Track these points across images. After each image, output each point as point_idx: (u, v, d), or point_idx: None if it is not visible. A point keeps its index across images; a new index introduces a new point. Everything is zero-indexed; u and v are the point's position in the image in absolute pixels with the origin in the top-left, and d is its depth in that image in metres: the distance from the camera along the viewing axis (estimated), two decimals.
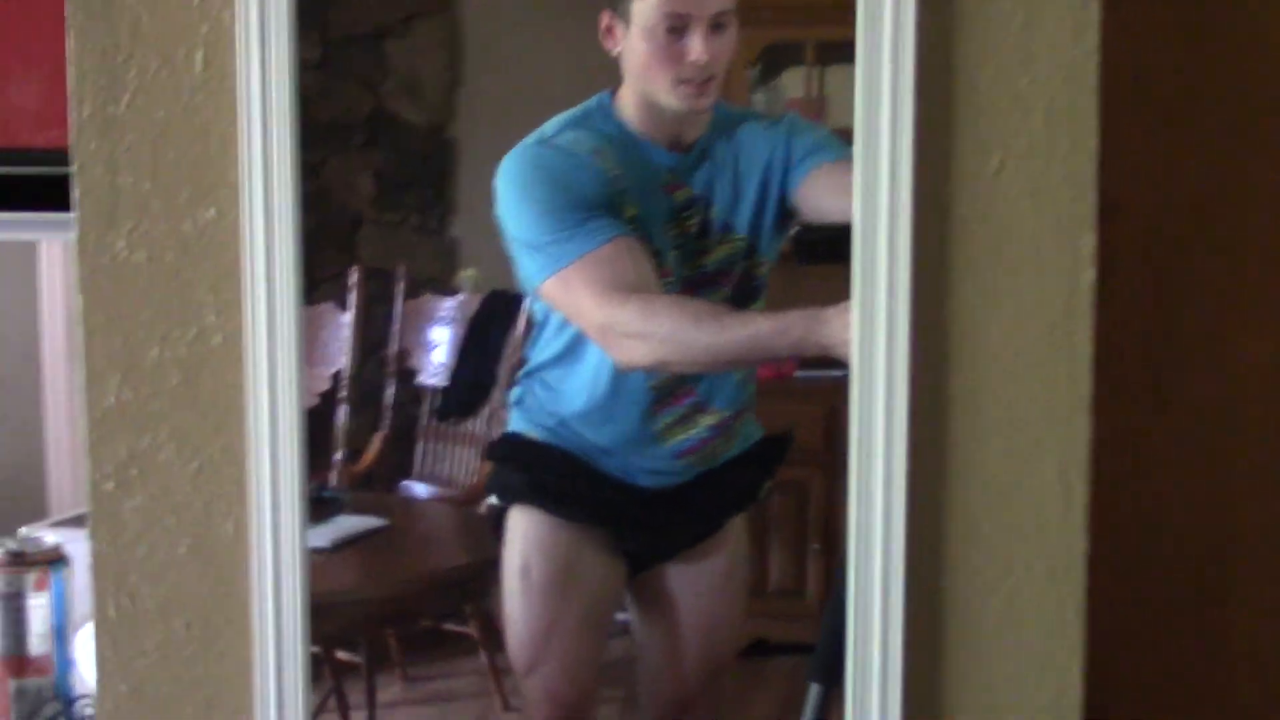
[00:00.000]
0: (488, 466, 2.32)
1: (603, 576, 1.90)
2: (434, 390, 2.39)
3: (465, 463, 2.47)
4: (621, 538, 1.90)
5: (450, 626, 2.42)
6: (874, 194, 1.41)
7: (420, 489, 2.51)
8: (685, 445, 1.81)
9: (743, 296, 1.75)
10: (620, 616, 2.17)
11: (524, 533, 1.90)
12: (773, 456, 1.95)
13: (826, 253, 1.58)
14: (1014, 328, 1.49)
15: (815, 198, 1.70)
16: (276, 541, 1.64)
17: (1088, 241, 1.44)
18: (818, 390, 2.10)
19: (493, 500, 1.97)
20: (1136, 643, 1.95)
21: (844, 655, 1.55)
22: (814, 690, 1.71)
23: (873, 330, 1.42)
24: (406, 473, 2.46)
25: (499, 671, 2.31)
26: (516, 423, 1.95)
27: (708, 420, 1.81)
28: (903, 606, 1.54)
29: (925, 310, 1.45)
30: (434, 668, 2.42)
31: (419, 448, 2.56)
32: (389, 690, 2.34)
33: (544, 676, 1.87)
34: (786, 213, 1.73)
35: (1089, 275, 1.45)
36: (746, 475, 1.94)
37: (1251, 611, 1.89)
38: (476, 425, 2.37)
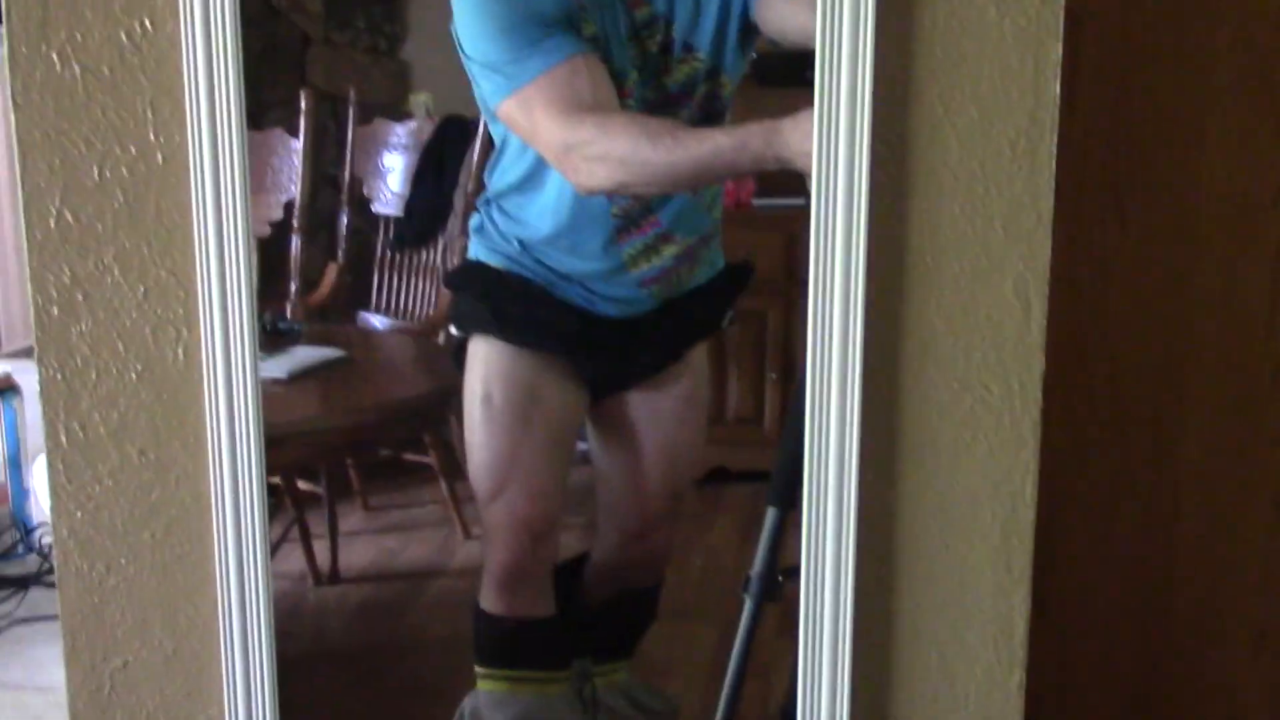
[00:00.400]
0: (447, 297, 2.28)
1: (564, 404, 1.87)
2: (389, 219, 2.48)
3: (424, 293, 2.46)
4: (583, 366, 1.87)
5: (410, 456, 2.40)
6: (835, 4, 1.37)
7: (378, 321, 2.45)
8: (649, 274, 1.78)
9: (705, 118, 1.70)
10: (581, 446, 2.14)
11: (485, 361, 1.86)
12: (735, 285, 1.92)
13: (788, 75, 1.56)
14: (975, 141, 1.44)
15: (777, 15, 1.63)
16: (228, 368, 1.62)
17: (1053, 51, 1.38)
18: (777, 219, 2.12)
19: (453, 330, 1.93)
20: (1088, 458, 1.91)
21: (800, 480, 1.55)
22: (771, 514, 1.71)
23: (834, 142, 1.39)
24: (364, 304, 2.44)
25: (459, 500, 2.33)
26: (476, 251, 1.90)
27: (671, 249, 1.79)
28: (859, 429, 1.53)
29: (886, 123, 1.39)
30: (395, 497, 2.42)
31: (376, 278, 2.49)
32: (350, 520, 2.33)
33: (507, 502, 1.85)
34: (748, 31, 1.66)
35: (1053, 88, 1.39)
36: (709, 304, 1.90)
37: (1203, 414, 1.95)
38: (434, 255, 2.38)
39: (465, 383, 1.86)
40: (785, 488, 1.68)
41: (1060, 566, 1.99)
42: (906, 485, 1.54)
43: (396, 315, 2.54)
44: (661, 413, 1.90)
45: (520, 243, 1.80)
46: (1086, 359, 1.96)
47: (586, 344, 1.82)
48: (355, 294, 2.47)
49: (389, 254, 2.52)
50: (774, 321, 2.31)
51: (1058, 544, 1.99)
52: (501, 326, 1.81)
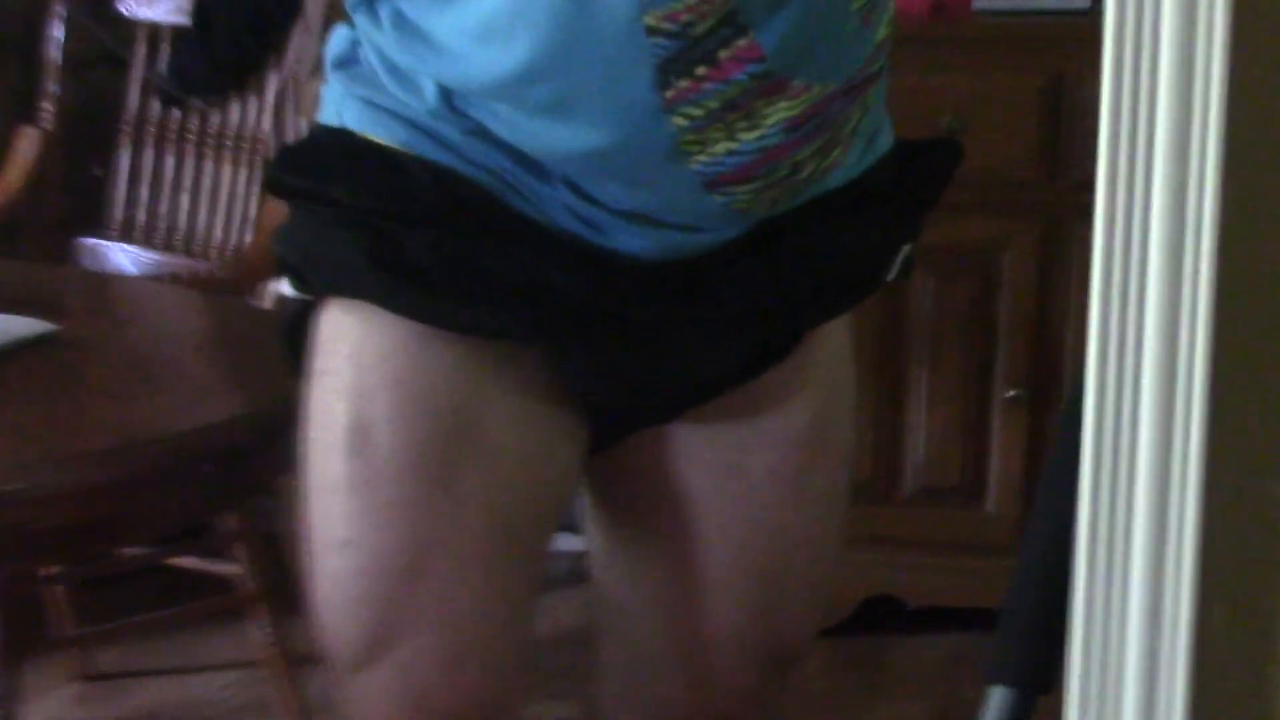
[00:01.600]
0: (275, 211, 1.86)
1: (530, 453, 1.37)
2: (158, 34, 2.27)
3: (225, 202, 2.21)
4: (574, 371, 1.37)
5: (189, 563, 2.15)
6: None
7: (127, 255, 2.19)
8: (731, 164, 1.29)
9: None
10: (570, 544, 1.97)
11: (356, 356, 1.36)
12: (921, 184, 1.44)
13: None
14: None
15: None
16: None
17: None
18: (1022, 41, 2.10)
19: (285, 287, 1.38)
20: None
21: (1061, 636, 1.09)
22: (995, 697, 1.26)
23: None
24: (97, 220, 2.25)
25: (290, 662, 2.02)
26: (341, 109, 1.39)
27: (781, 110, 1.28)
28: (1195, 534, 1.04)
29: None
30: (156, 650, 2.24)
31: (125, 166, 2.26)
32: (49, 702, 2.12)
33: (396, 669, 1.35)
34: None
35: None
36: (861, 228, 1.40)
37: None
38: (251, 118, 2.17)
39: (310, 401, 1.38)
40: (1032, 646, 1.27)
41: None
42: None
43: (165, 246, 2.31)
44: (749, 476, 1.41)
45: (442, 94, 1.34)
46: None
47: (585, 322, 1.35)
48: (79, 200, 2.31)
49: (155, 114, 2.35)
50: (1013, 276, 2.26)
51: None
52: (394, 283, 1.33)
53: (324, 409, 1.36)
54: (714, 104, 1.28)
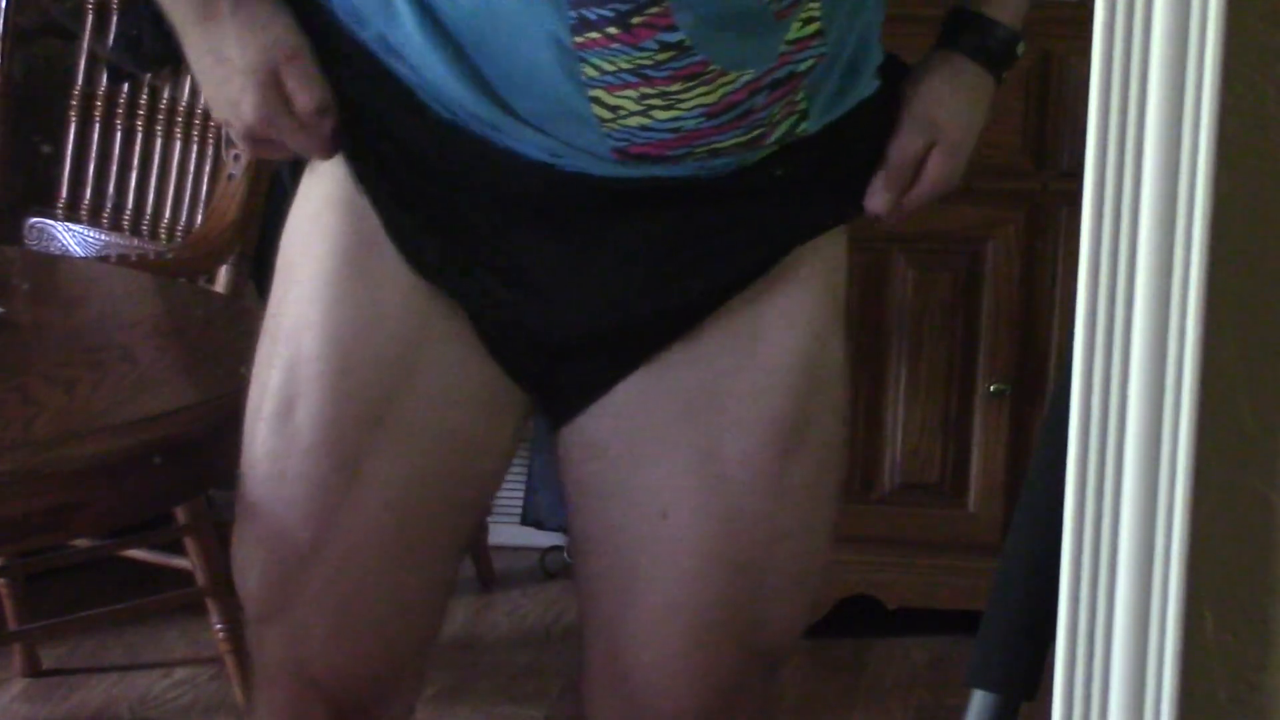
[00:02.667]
0: (227, 191, 2.02)
1: (452, 436, 1.40)
2: (105, 11, 2.25)
3: (175, 181, 2.20)
4: (509, 314, 1.40)
5: (138, 555, 2.14)
6: None
7: (74, 235, 2.20)
8: (641, 139, 1.33)
9: None
10: (533, 539, 2.23)
11: (295, 316, 1.39)
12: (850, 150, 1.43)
13: None
14: None
15: None
16: None
17: None
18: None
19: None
20: None
21: (1046, 640, 1.18)
22: (978, 703, 1.27)
23: None
24: (44, 199, 2.26)
25: (245, 658, 1.90)
26: None
27: (700, 93, 1.31)
28: (1184, 537, 1.12)
29: None
30: (99, 645, 2.22)
31: (69, 141, 2.26)
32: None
33: (285, 632, 1.41)
34: None
35: None
36: (845, 144, 1.41)
37: None
38: (197, 95, 1.78)
39: (258, 354, 1.42)
40: (1016, 650, 1.30)
41: None
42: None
43: (114, 226, 2.31)
44: (722, 463, 1.40)
45: (380, 36, 1.36)
46: None
47: (520, 254, 1.38)
48: (25, 178, 2.34)
49: (104, 89, 2.32)
50: (996, 266, 2.27)
51: None
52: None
53: (261, 375, 1.42)
54: (624, 64, 1.31)
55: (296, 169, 1.53)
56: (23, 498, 1.64)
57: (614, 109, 1.35)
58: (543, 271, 1.43)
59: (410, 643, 1.50)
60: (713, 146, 1.38)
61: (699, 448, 1.42)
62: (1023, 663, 1.33)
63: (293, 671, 1.47)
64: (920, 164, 1.45)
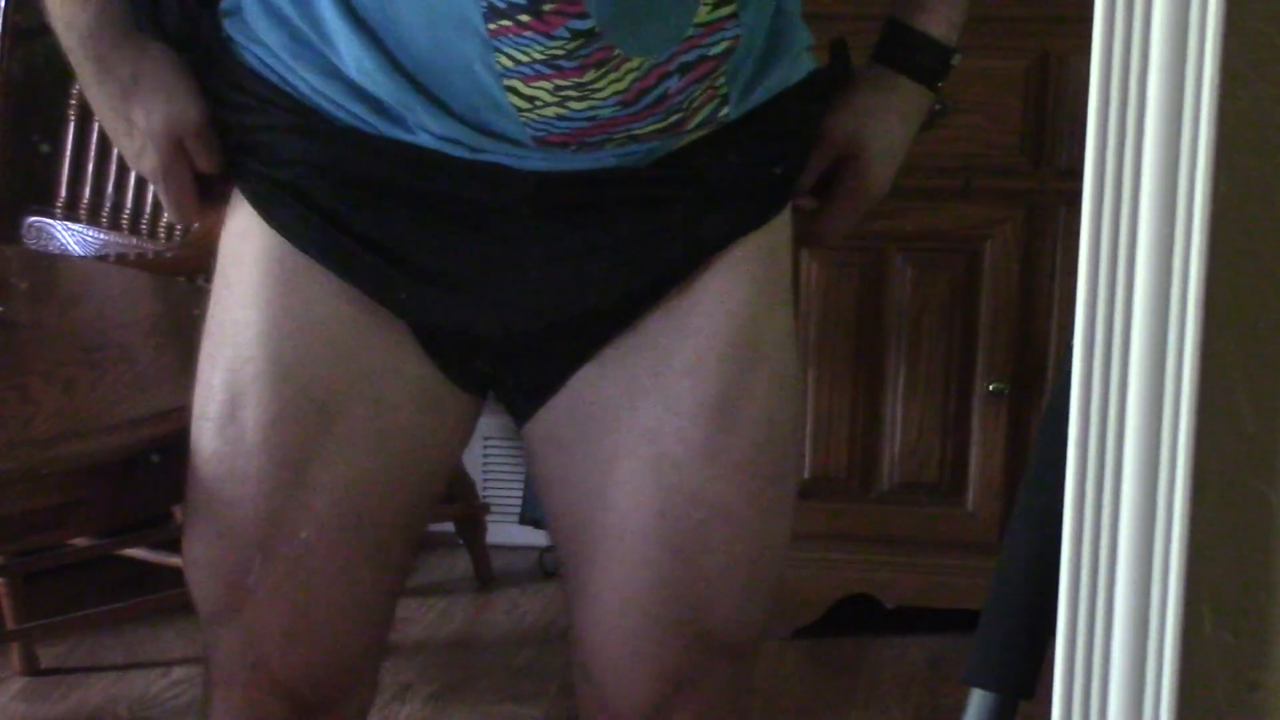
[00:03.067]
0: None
1: (397, 437, 1.41)
2: None
3: None
4: (444, 318, 1.40)
5: (136, 554, 2.16)
6: None
7: (73, 234, 2.19)
8: (559, 129, 1.34)
9: None
10: (531, 538, 2.23)
11: (234, 312, 1.41)
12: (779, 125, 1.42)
13: None
14: None
15: None
16: None
17: None
18: (1011, 20, 2.08)
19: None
20: None
21: (1044, 639, 1.23)
22: (976, 702, 1.31)
23: None
24: (43, 198, 2.26)
25: None
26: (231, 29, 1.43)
27: (611, 80, 1.31)
28: (1183, 536, 1.13)
29: None
30: (98, 644, 2.22)
31: (68, 140, 2.26)
32: None
33: (240, 632, 1.42)
34: None
35: None
36: (766, 141, 1.41)
37: None
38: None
39: (201, 352, 1.42)
40: (1015, 649, 1.33)
41: None
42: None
43: (113, 225, 2.30)
44: (663, 440, 1.40)
45: (293, 34, 1.36)
46: None
47: (455, 257, 1.38)
48: (24, 177, 2.31)
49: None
50: (995, 265, 2.29)
51: None
52: (266, 200, 1.37)
53: (205, 377, 1.41)
54: (537, 55, 1.31)
55: None
56: (21, 496, 1.64)
57: (530, 99, 1.34)
58: (473, 275, 1.42)
59: (366, 639, 1.50)
60: (631, 133, 1.37)
61: (643, 430, 1.42)
62: (1021, 661, 1.34)
63: (249, 671, 1.47)
64: (838, 178, 1.44)
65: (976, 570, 2.06)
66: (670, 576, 1.43)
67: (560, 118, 1.36)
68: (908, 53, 1.46)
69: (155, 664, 2.27)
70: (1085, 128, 1.18)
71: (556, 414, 1.46)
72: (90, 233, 2.26)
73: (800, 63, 1.43)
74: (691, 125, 1.39)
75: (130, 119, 1.38)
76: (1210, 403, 1.26)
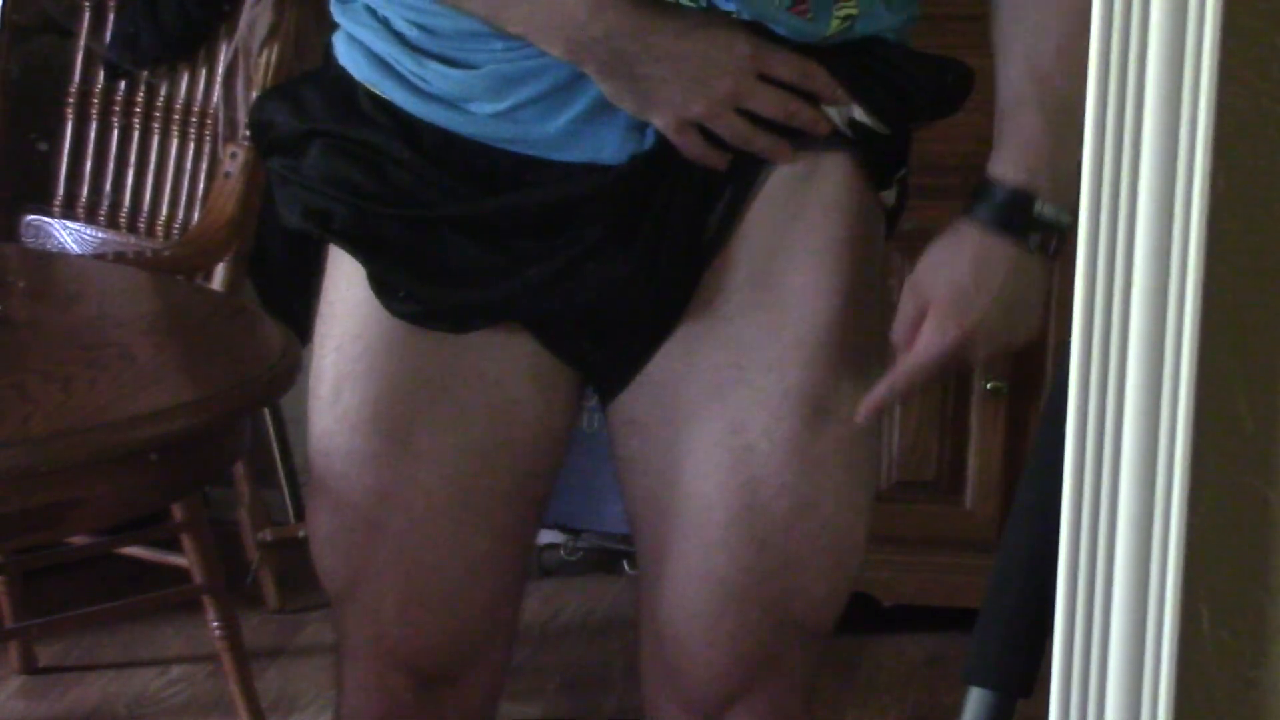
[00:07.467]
0: (224, 188, 2.04)
1: (501, 410, 1.44)
2: (102, 8, 2.26)
3: (172, 179, 2.21)
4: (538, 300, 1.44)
5: (134, 553, 2.15)
6: None
7: (71, 232, 2.19)
8: None
9: None
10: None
11: (340, 305, 1.46)
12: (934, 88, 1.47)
13: None
14: None
15: None
16: None
17: None
18: None
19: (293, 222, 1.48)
20: None
21: (1042, 637, 1.22)
22: (974, 701, 1.30)
23: None
24: (41, 196, 2.26)
25: (241, 655, 1.99)
26: (341, 47, 1.48)
27: None
28: (1181, 534, 1.12)
29: None
30: (96, 642, 2.23)
31: (66, 138, 2.27)
32: None
33: (361, 608, 1.47)
34: None
35: None
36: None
37: None
38: (194, 92, 2.18)
39: (315, 345, 1.49)
40: (1013, 648, 1.32)
41: None
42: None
43: (111, 224, 2.30)
44: (747, 434, 1.43)
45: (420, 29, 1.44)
46: None
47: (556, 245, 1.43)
48: (22, 175, 2.32)
49: (101, 86, 2.32)
50: None
51: None
52: (353, 223, 1.43)
53: (316, 357, 1.48)
54: None
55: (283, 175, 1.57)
56: (19, 495, 1.63)
57: None
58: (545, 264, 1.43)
59: (485, 612, 1.53)
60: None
61: (727, 422, 1.44)
62: (1019, 660, 1.34)
63: (371, 645, 1.50)
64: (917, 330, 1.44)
65: (974, 568, 2.05)
66: (752, 566, 1.46)
67: None
68: (979, 202, 1.41)
69: (153, 662, 2.27)
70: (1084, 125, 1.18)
71: (639, 399, 1.48)
72: (88, 231, 2.26)
73: (893, 17, 1.44)
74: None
75: (711, 55, 1.37)
76: (1208, 401, 1.26)
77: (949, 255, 1.40)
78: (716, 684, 1.52)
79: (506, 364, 1.48)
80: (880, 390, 1.43)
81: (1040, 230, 1.40)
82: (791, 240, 1.48)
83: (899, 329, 1.41)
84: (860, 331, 1.49)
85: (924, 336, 1.40)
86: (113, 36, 2.24)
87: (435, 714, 1.56)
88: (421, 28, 1.46)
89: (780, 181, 1.48)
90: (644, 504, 1.52)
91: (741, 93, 1.39)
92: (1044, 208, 1.40)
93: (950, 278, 1.41)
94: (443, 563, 1.48)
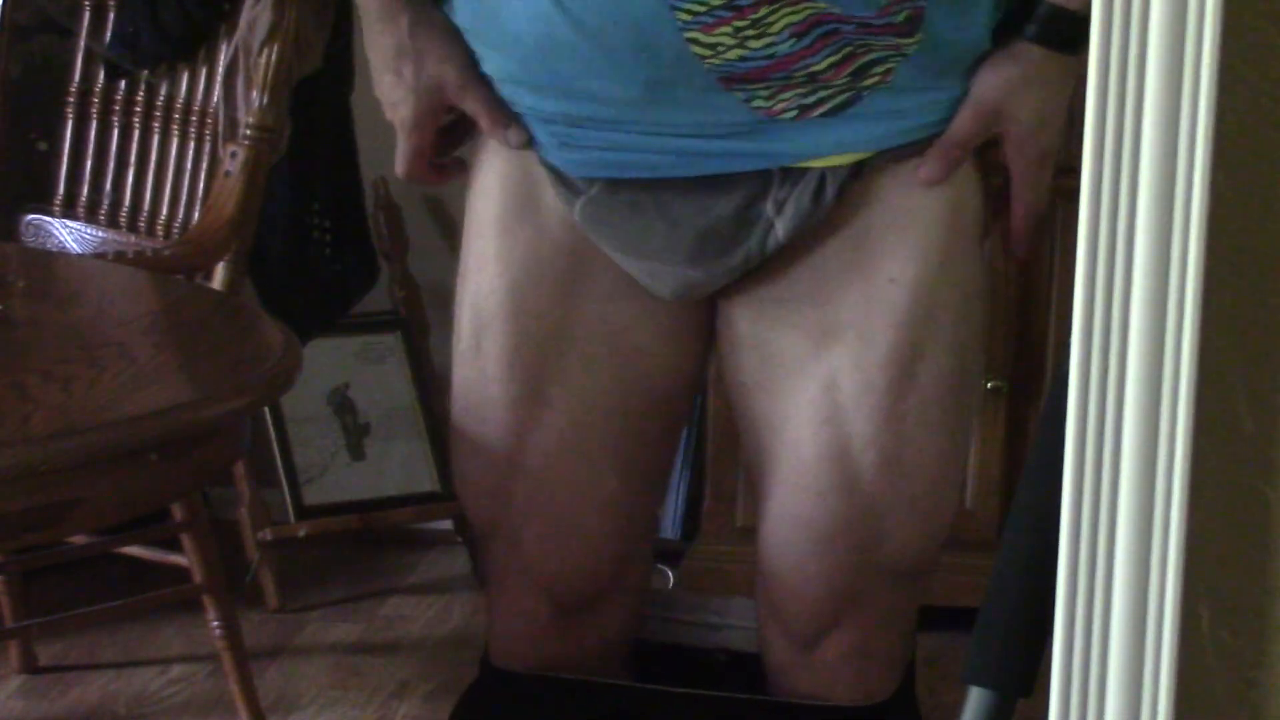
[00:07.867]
0: (224, 188, 2.01)
1: (629, 356, 1.52)
2: (102, 7, 2.26)
3: (173, 178, 2.19)
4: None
5: (135, 552, 2.14)
6: None
7: (71, 232, 2.20)
8: (740, 68, 1.41)
9: None
10: None
11: (479, 258, 1.53)
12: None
13: None
14: None
15: None
16: None
17: None
18: None
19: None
20: None
21: (1043, 637, 1.24)
22: (974, 700, 1.30)
23: None
24: (41, 195, 2.25)
25: (242, 655, 2.00)
26: None
27: (786, 13, 1.39)
28: (1181, 534, 1.12)
29: None
30: (96, 642, 2.22)
31: (66, 137, 2.27)
32: None
33: (506, 543, 1.56)
34: None
35: None
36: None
37: None
38: (194, 92, 2.16)
39: (456, 297, 1.58)
40: (1013, 647, 1.31)
41: None
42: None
43: (111, 223, 2.30)
44: (841, 392, 1.51)
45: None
46: None
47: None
48: (22, 174, 2.31)
49: (101, 85, 2.32)
50: (993, 263, 2.09)
51: None
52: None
53: (457, 313, 1.55)
54: (716, 1, 1.37)
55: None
56: (20, 494, 1.64)
57: (711, 48, 1.40)
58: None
59: (619, 542, 1.59)
60: (810, 69, 1.43)
61: (822, 380, 1.50)
62: (1019, 660, 1.34)
63: (516, 576, 1.58)
64: (1001, 164, 1.47)
65: (974, 568, 2.03)
66: (840, 512, 1.52)
67: (741, 59, 1.41)
68: (1037, 26, 1.44)
69: (153, 662, 2.31)
70: (1083, 126, 1.17)
71: (749, 364, 1.54)
72: (88, 230, 2.25)
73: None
74: (871, 75, 1.42)
75: (399, 71, 1.48)
76: (1208, 401, 1.24)
77: (1021, 75, 1.44)
78: (809, 617, 1.58)
79: (630, 314, 1.53)
80: (1016, 240, 1.49)
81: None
82: (889, 202, 1.51)
83: (956, 138, 1.42)
84: (946, 294, 1.52)
85: (1018, 158, 1.45)
86: (113, 36, 2.23)
87: (575, 639, 1.61)
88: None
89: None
90: (756, 454, 1.58)
91: None
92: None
93: (1030, 97, 1.45)
94: (575, 500, 1.55)
